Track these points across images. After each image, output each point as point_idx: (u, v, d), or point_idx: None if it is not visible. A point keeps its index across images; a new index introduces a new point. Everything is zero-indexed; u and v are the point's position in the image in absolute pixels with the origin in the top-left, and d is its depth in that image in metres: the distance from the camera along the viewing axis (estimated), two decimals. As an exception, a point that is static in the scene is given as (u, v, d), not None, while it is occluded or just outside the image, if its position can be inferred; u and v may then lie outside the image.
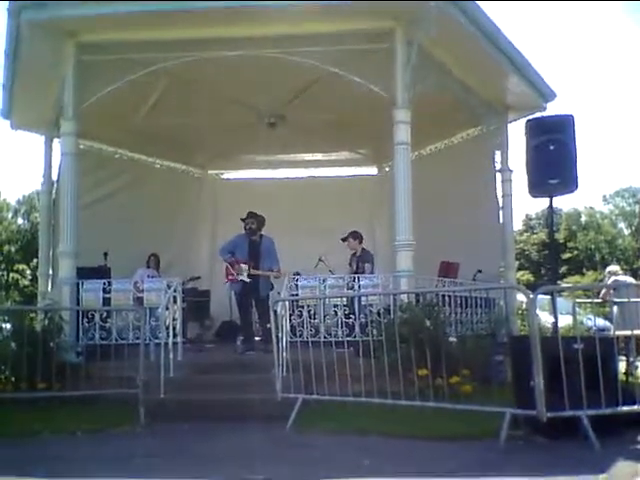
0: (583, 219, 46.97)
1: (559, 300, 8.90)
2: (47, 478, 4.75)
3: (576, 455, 4.97)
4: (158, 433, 6.23)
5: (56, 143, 10.71)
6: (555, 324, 6.86)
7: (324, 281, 8.23)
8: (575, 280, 36.31)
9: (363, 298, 7.93)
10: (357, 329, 7.67)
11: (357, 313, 7.80)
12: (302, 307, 7.92)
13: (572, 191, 6.89)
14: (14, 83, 9.49)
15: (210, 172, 14.56)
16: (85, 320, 8.02)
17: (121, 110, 10.17)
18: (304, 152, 14.02)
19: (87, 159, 10.66)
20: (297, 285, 8.18)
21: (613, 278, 9.97)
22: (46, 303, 9.14)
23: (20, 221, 38.13)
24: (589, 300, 12.25)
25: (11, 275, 34.55)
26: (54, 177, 10.94)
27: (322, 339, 7.34)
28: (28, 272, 33.78)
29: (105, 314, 8.05)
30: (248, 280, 8.90)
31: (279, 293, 7.98)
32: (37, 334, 7.49)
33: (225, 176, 14.86)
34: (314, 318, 7.91)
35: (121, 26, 8.17)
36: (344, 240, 9.45)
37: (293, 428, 6.19)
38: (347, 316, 7.82)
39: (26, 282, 33.93)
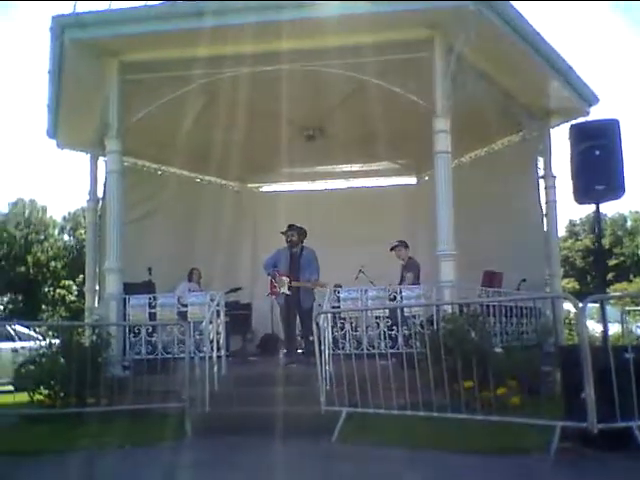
0: (629, 224, 45.82)
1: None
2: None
3: (628, 467, 4.87)
4: (205, 446, 6.28)
5: (101, 161, 10.96)
6: (605, 333, 6.69)
7: (366, 292, 8.19)
8: (622, 287, 35.37)
9: (406, 309, 7.86)
10: (400, 341, 7.60)
11: (400, 324, 7.74)
12: (344, 319, 7.90)
13: (619, 197, 6.72)
14: (58, 103, 9.75)
15: (249, 185, 14.68)
16: (132, 335, 8.15)
17: (163, 127, 10.33)
18: (343, 163, 14.03)
19: (131, 176, 10.85)
20: (339, 297, 8.16)
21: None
22: (94, 319, 9.30)
23: (66, 238, 38.92)
24: (638, 308, 11.99)
25: (58, 291, 35.29)
26: (99, 194, 11.19)
27: (365, 351, 7.30)
28: (74, 288, 34.48)
29: (151, 329, 8.16)
30: (289, 292, 8.93)
31: (320, 305, 7.95)
32: (85, 349, 7.61)
33: (264, 189, 14.95)
34: (356, 330, 7.87)
35: (161, 45, 8.34)
36: (392, 249, 9.41)
37: (338, 441, 6.17)
38: (390, 328, 7.77)
39: (72, 298, 34.64)
